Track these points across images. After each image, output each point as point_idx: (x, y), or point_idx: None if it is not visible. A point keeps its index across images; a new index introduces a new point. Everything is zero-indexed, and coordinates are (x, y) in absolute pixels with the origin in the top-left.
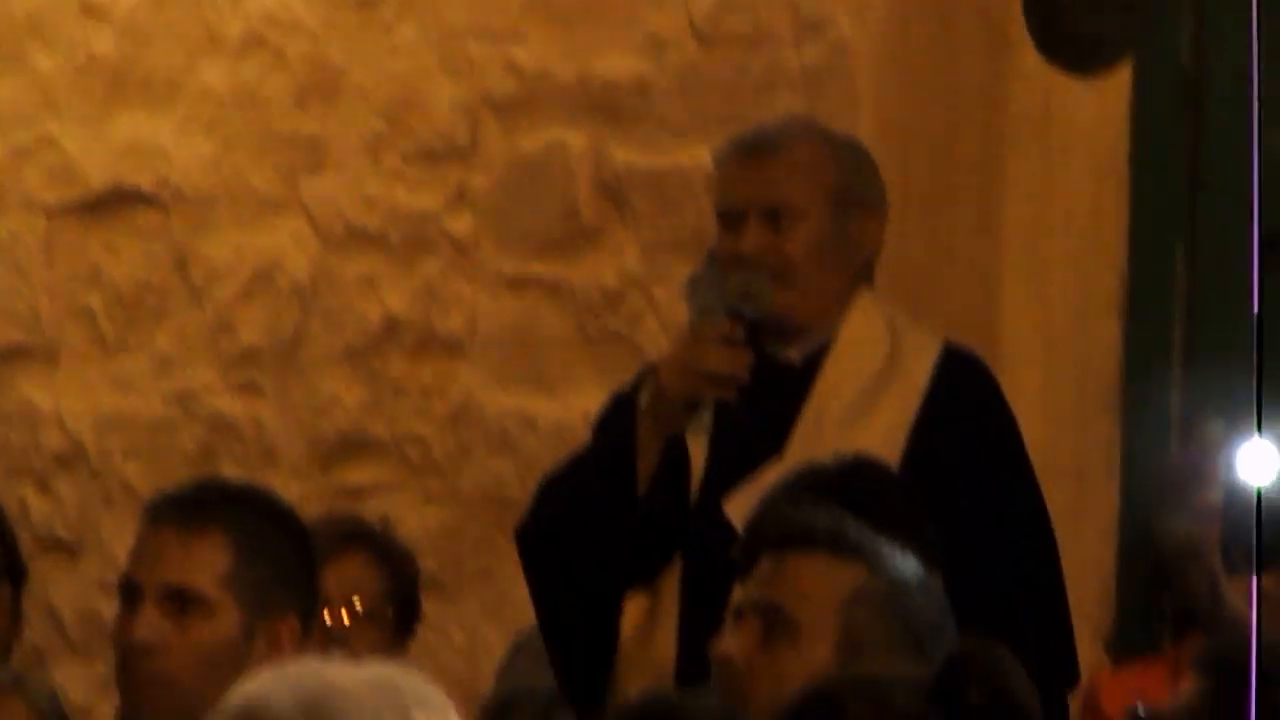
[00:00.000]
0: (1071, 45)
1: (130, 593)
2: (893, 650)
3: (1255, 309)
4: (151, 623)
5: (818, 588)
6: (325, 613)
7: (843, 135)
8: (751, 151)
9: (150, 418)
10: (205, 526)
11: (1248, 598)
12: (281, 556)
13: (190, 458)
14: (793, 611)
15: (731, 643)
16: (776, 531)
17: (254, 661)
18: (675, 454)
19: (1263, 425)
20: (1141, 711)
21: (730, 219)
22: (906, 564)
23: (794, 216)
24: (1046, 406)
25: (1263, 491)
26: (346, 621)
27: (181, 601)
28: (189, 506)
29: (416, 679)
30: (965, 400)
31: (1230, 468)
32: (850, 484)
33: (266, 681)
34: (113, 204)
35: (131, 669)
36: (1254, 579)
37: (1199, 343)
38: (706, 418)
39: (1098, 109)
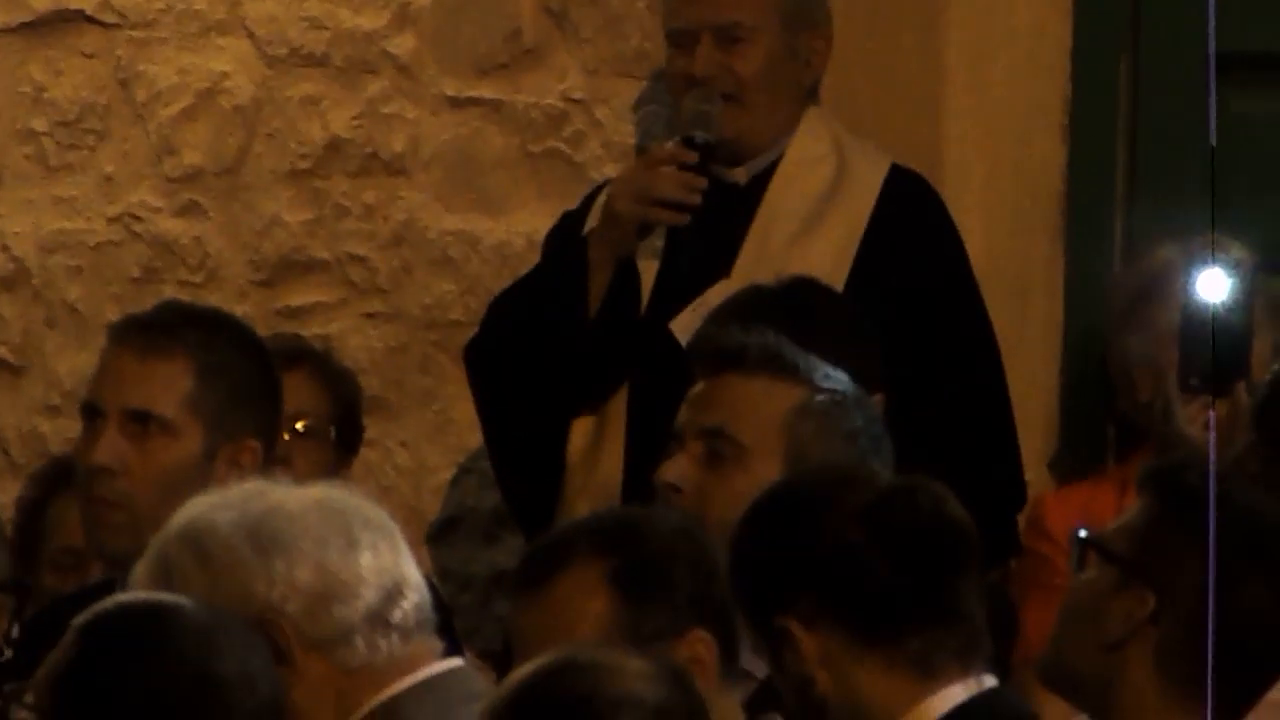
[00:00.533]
0: None
1: (92, 414)
2: None
3: (1212, 140)
4: (113, 445)
5: (760, 408)
6: None
7: None
8: None
9: (93, 238)
10: (167, 349)
11: (1199, 421)
12: (243, 380)
13: (133, 279)
14: (737, 433)
15: (675, 468)
16: (712, 354)
17: (215, 483)
18: (626, 275)
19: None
20: (1083, 533)
21: (681, 38)
22: (841, 380)
23: (747, 36)
24: (990, 226)
25: (1218, 314)
26: (290, 440)
27: (143, 423)
28: (151, 329)
29: (360, 500)
30: (912, 220)
31: (1188, 289)
32: (791, 304)
33: (211, 503)
34: (56, 25)
35: (93, 490)
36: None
37: (1143, 162)
38: (657, 240)
39: None
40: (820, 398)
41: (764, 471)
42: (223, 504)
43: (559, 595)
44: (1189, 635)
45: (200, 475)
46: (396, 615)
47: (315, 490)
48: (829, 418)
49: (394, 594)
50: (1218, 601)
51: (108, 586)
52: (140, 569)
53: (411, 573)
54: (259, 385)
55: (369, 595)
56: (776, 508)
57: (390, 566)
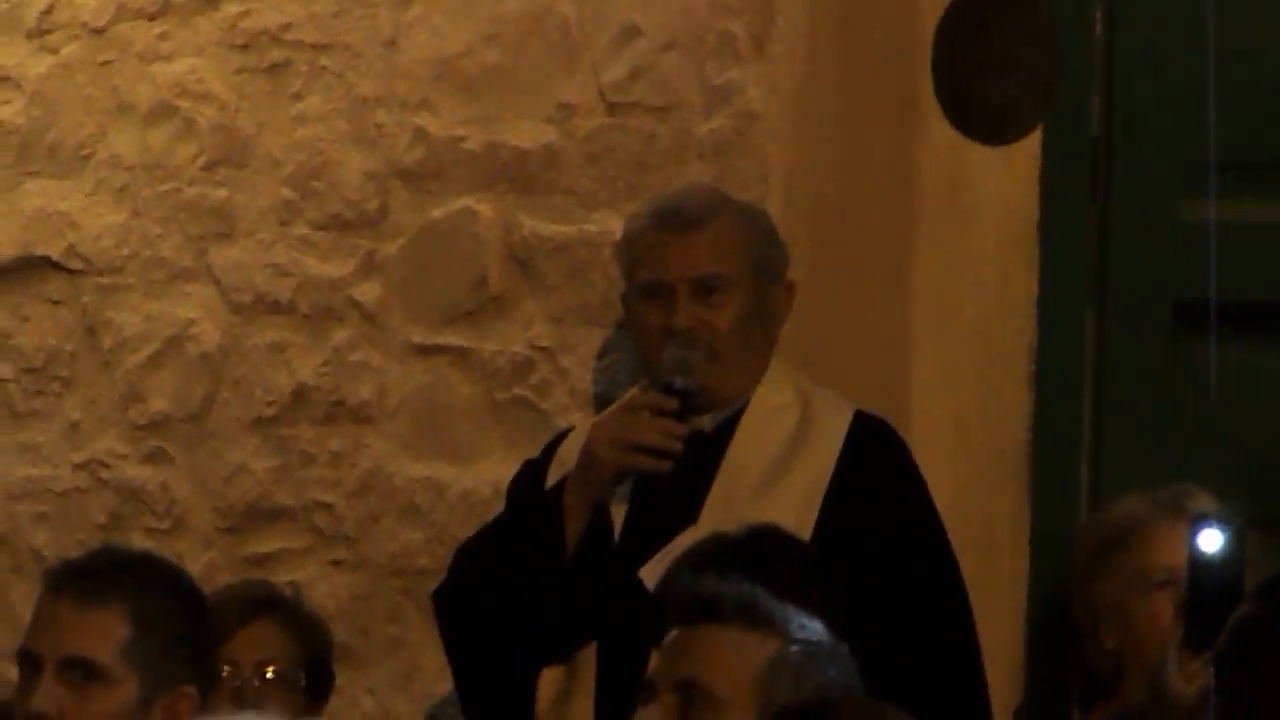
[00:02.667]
0: (981, 116)
1: (29, 662)
2: None
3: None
4: (50, 692)
5: (733, 660)
6: (236, 679)
7: (750, 204)
8: (677, 222)
9: (60, 486)
10: (105, 597)
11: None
12: (179, 627)
13: (100, 526)
14: (711, 685)
15: (650, 719)
16: (688, 604)
17: None
18: (600, 520)
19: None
20: None
21: (657, 290)
22: (816, 630)
23: (723, 288)
24: (955, 476)
25: (1221, 572)
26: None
27: (81, 672)
28: (88, 576)
29: None
30: (878, 467)
31: (1193, 549)
32: (754, 553)
33: None
34: (22, 272)
35: None
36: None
37: (1108, 413)
38: (628, 486)
39: (1007, 177)
40: (794, 649)
41: None
42: None
43: None
44: None
45: None
46: None
47: None
48: (803, 670)
49: None
50: None
51: None
52: None
53: None
54: (192, 631)
55: None
56: None
57: None
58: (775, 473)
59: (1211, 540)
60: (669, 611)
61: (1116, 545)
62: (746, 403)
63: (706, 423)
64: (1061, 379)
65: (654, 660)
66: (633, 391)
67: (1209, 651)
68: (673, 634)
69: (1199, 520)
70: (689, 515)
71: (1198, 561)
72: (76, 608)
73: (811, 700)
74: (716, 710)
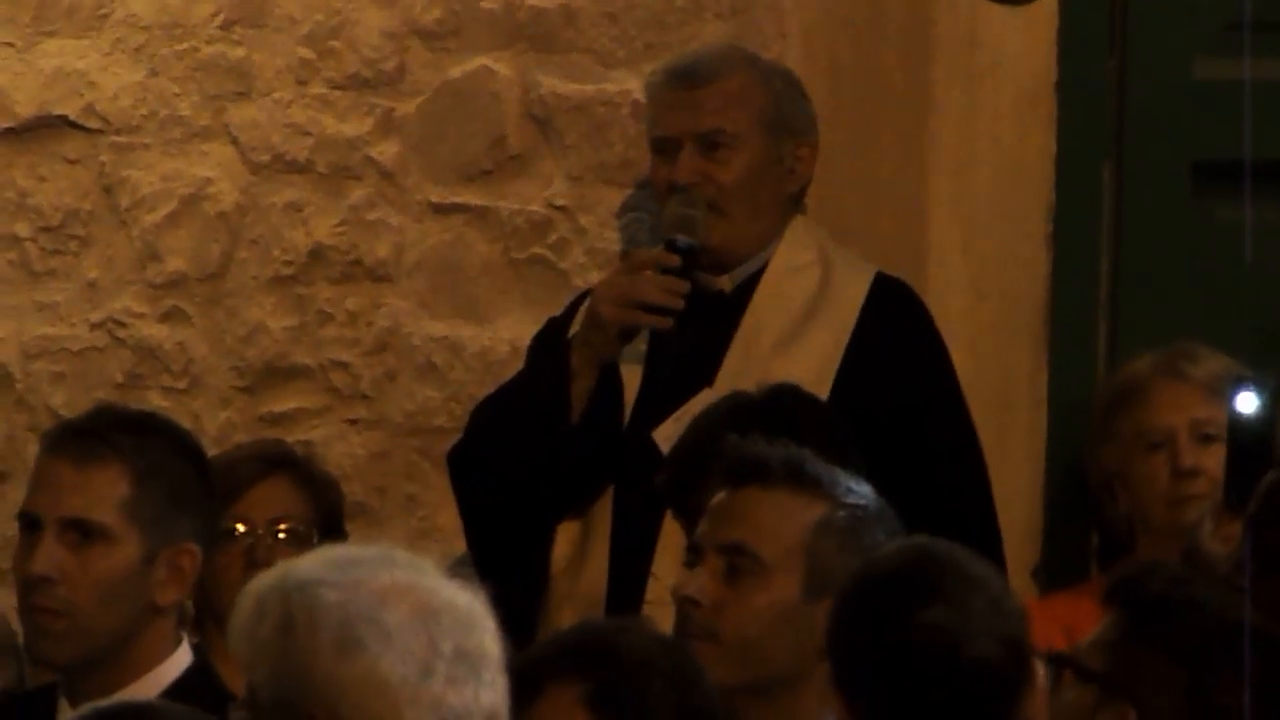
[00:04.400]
0: None
1: (30, 524)
2: None
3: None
4: (52, 554)
5: (780, 524)
6: (249, 536)
7: (774, 63)
8: (685, 79)
9: (77, 344)
10: (103, 456)
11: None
12: (180, 483)
13: (116, 385)
14: (757, 549)
15: (693, 582)
16: (734, 466)
17: (155, 589)
18: (609, 381)
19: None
20: (1056, 652)
21: (664, 147)
22: (864, 493)
23: (728, 143)
24: (973, 336)
25: (1260, 432)
26: (271, 545)
27: (81, 532)
28: (86, 436)
29: (469, 614)
30: (897, 329)
31: (1231, 407)
32: (773, 412)
33: (331, 569)
34: (39, 131)
35: (32, 600)
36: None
37: (1126, 273)
38: (641, 346)
39: (1025, 36)
40: (841, 513)
41: (783, 588)
42: (337, 579)
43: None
44: None
45: (140, 580)
46: None
47: (427, 593)
48: (850, 534)
49: None
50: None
51: (49, 691)
52: (244, 595)
53: (483, 704)
54: (195, 488)
55: None
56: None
57: (456, 699)
58: (793, 333)
59: (1248, 402)
60: (718, 472)
61: (1119, 408)
62: (767, 262)
63: (726, 283)
64: (1079, 238)
65: (701, 522)
66: (638, 250)
67: (1245, 509)
68: (720, 496)
69: (1237, 383)
70: (705, 376)
71: (1235, 423)
72: (74, 467)
73: None
74: (763, 573)
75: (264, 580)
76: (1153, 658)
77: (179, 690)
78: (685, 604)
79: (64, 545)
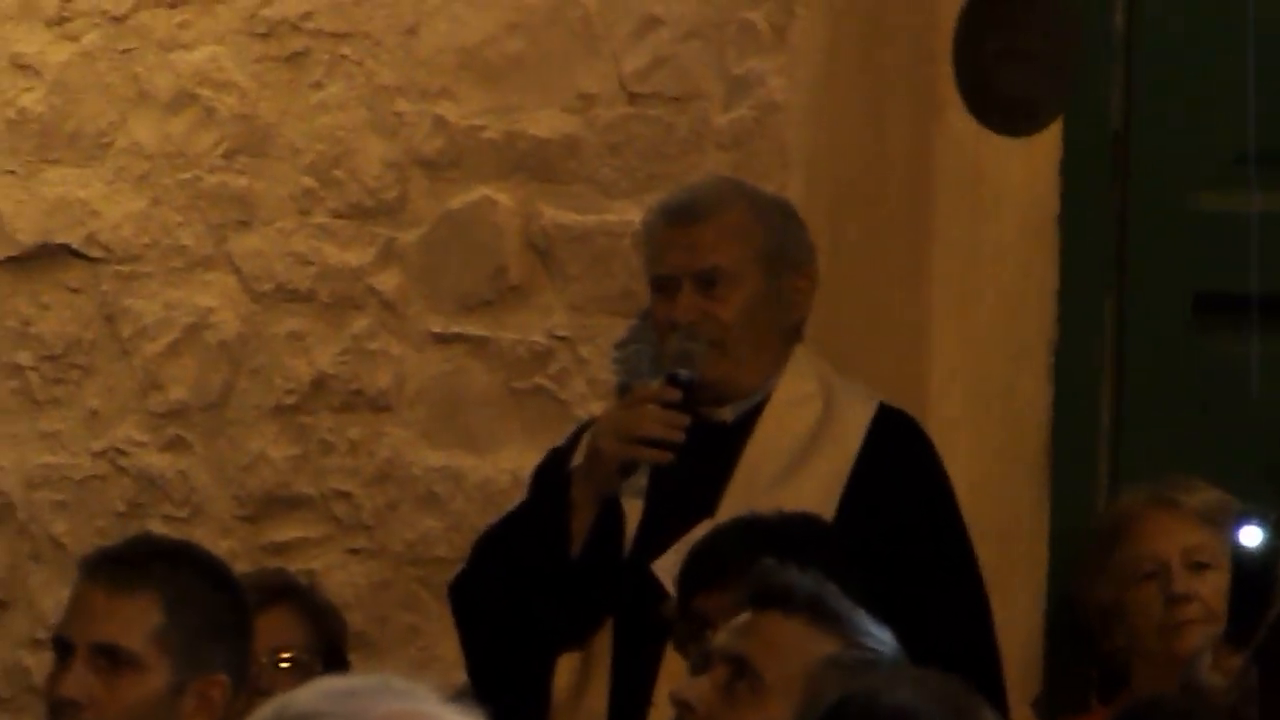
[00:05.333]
0: (1001, 108)
1: (62, 649)
2: None
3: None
4: (81, 679)
5: (791, 650)
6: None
7: (770, 195)
8: (681, 217)
9: (79, 473)
10: (137, 584)
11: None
12: (213, 614)
13: (118, 514)
14: (761, 669)
15: (693, 689)
16: (760, 588)
17: (183, 719)
18: (610, 514)
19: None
20: None
21: (663, 285)
22: (884, 640)
23: (727, 282)
24: (975, 468)
25: (1263, 567)
26: (273, 675)
27: (112, 659)
28: (121, 563)
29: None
30: (900, 461)
31: (1234, 541)
32: (787, 537)
33: (290, 691)
34: (42, 260)
35: None
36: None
37: (1128, 405)
38: (642, 479)
39: (1027, 168)
40: (853, 652)
41: (777, 713)
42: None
43: None
44: None
45: (168, 710)
46: None
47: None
48: (855, 674)
49: None
50: None
51: None
52: None
53: None
54: (229, 619)
55: None
56: None
57: None
58: (795, 464)
59: (1252, 536)
60: (746, 593)
61: (1112, 541)
62: (769, 393)
63: (727, 414)
64: (1081, 371)
65: (719, 633)
66: (640, 384)
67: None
68: (744, 615)
69: (1240, 517)
70: (706, 507)
71: (1238, 557)
72: (108, 594)
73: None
74: (760, 693)
75: (260, 716)
76: None
77: None
78: (681, 708)
79: (94, 671)
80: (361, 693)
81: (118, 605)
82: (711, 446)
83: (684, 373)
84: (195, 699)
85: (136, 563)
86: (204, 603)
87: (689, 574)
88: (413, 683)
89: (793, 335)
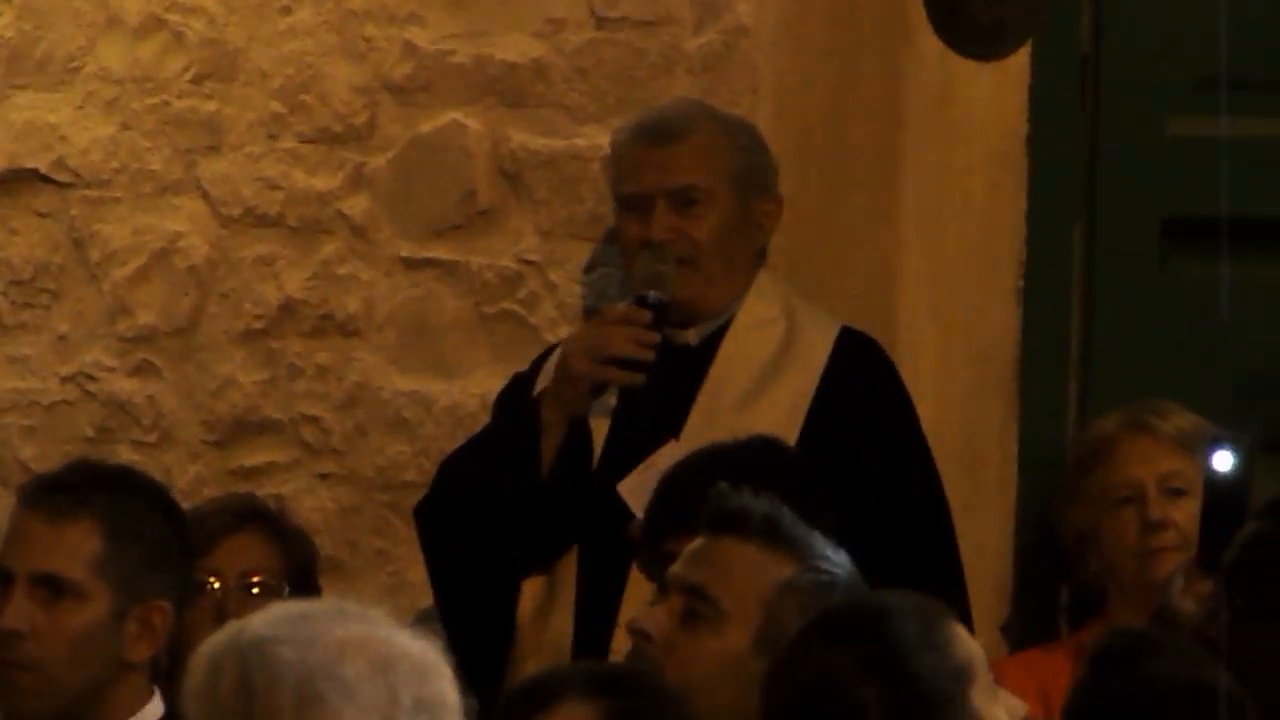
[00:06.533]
0: (971, 32)
1: (2, 578)
2: None
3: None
4: (21, 609)
5: (746, 576)
6: (220, 590)
7: (737, 118)
8: (655, 136)
9: (47, 398)
10: (76, 512)
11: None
12: (155, 541)
13: (87, 439)
14: (717, 596)
15: (651, 617)
16: (714, 514)
17: (126, 646)
18: (577, 435)
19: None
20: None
21: (635, 204)
22: (840, 563)
23: (702, 199)
24: (944, 392)
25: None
26: (243, 599)
27: (52, 588)
28: (60, 491)
29: (426, 665)
30: (862, 383)
31: (1209, 471)
32: (751, 462)
33: (283, 626)
34: (10, 185)
35: (2, 655)
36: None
37: (1096, 330)
38: (610, 400)
39: (996, 93)
40: (809, 576)
41: (735, 639)
42: (292, 635)
43: None
44: None
45: (110, 637)
46: None
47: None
48: (813, 598)
49: None
50: None
51: None
52: (197, 657)
53: None
54: (170, 546)
55: None
56: None
57: None
58: (759, 387)
59: (1224, 460)
60: (701, 519)
61: (1089, 466)
62: (732, 316)
63: (692, 337)
64: (1049, 295)
65: (676, 562)
66: (610, 305)
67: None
68: (698, 541)
69: (1213, 442)
70: (671, 429)
71: (1210, 482)
72: (47, 522)
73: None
74: (718, 621)
75: (216, 641)
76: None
77: None
78: (639, 637)
79: (35, 600)
80: (317, 617)
81: (58, 534)
82: (675, 368)
83: (654, 294)
84: (137, 625)
85: (75, 490)
86: (144, 529)
87: (658, 516)
88: (367, 607)
89: (758, 259)
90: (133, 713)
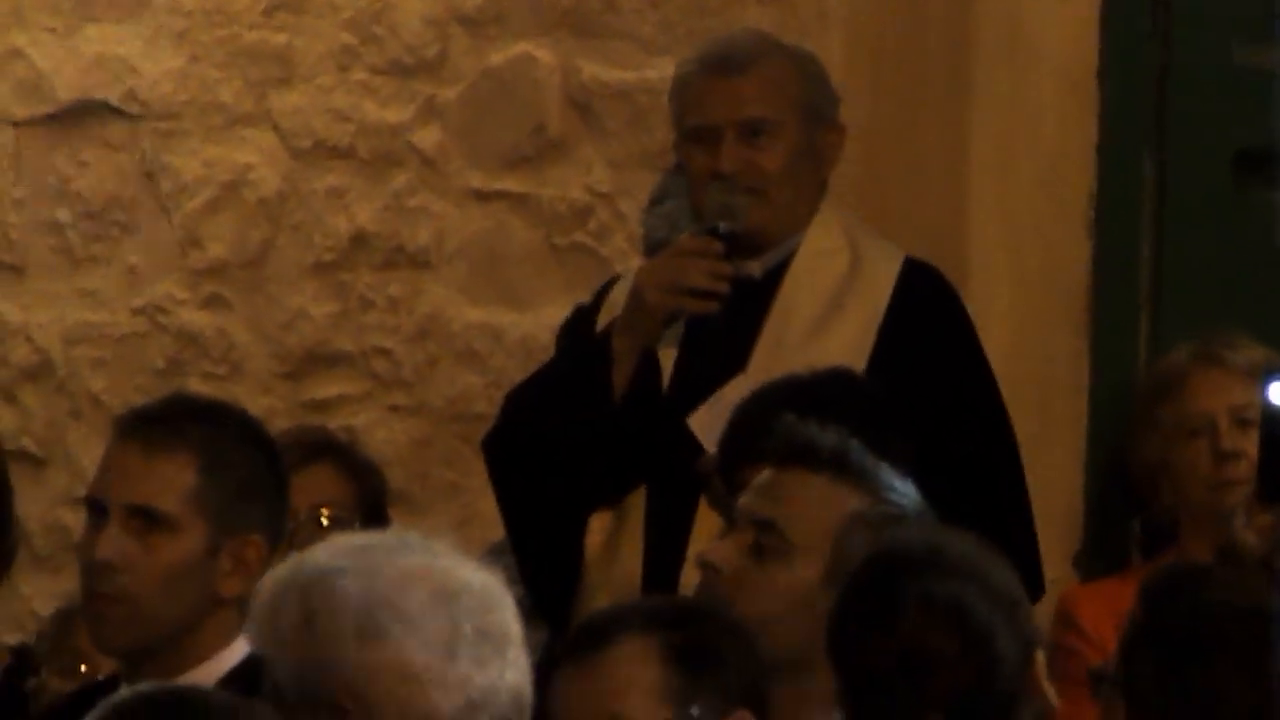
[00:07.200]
0: None
1: (96, 510)
2: None
3: None
4: (115, 541)
5: (816, 509)
6: (291, 523)
7: (799, 48)
8: (723, 68)
9: (118, 331)
10: (171, 445)
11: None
12: (249, 475)
13: (157, 371)
14: (788, 529)
15: (721, 550)
16: (783, 446)
17: (219, 580)
18: (648, 367)
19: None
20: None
21: (703, 134)
22: (908, 494)
23: (770, 130)
24: (1014, 323)
25: None
26: (313, 532)
27: (147, 520)
28: (156, 424)
29: (488, 595)
30: (928, 313)
31: (1266, 399)
32: (825, 394)
33: (346, 559)
34: (81, 117)
35: (94, 586)
36: None
37: (1168, 261)
38: (678, 330)
39: (1067, 24)
40: (879, 508)
41: (805, 572)
42: (354, 566)
43: (611, 663)
44: None
45: (203, 571)
46: None
47: (445, 575)
48: (882, 530)
49: (478, 706)
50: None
51: (113, 684)
52: (261, 590)
53: (508, 682)
54: (264, 480)
55: (448, 706)
56: None
57: (481, 678)
58: (825, 318)
59: None
60: (769, 450)
61: (1159, 398)
62: (795, 248)
63: (756, 269)
64: (1121, 226)
65: (743, 494)
66: (683, 236)
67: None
68: (766, 472)
69: (1270, 373)
70: (738, 361)
71: (1269, 414)
72: (143, 455)
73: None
74: (788, 554)
75: (279, 573)
76: (1144, 647)
77: (234, 679)
78: (708, 570)
79: (129, 532)
80: (378, 548)
81: (152, 466)
82: (741, 301)
83: (724, 225)
84: (231, 560)
85: (171, 423)
86: (239, 463)
87: (731, 447)
88: (430, 539)
89: (822, 189)
90: (221, 648)
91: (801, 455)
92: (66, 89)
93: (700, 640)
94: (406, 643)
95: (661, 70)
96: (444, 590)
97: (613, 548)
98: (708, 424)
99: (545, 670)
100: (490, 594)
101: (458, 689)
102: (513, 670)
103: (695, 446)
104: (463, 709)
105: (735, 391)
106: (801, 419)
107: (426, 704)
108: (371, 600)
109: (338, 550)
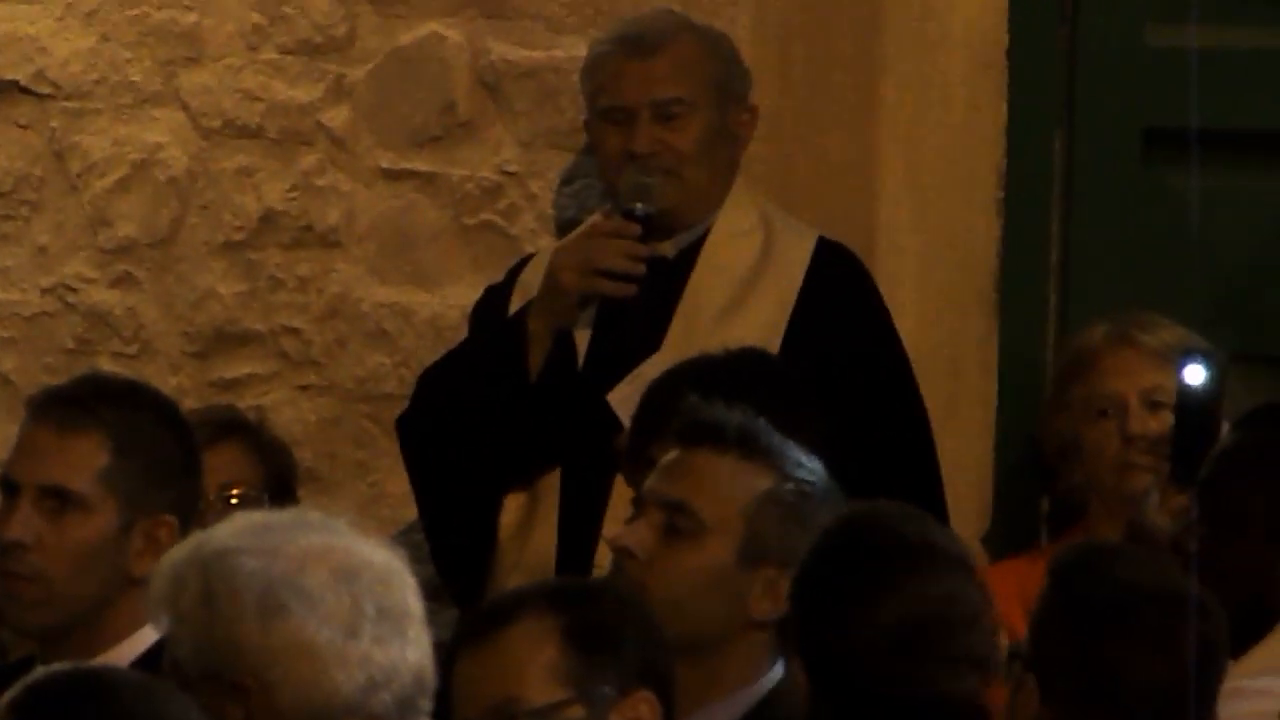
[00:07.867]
0: None
1: (8, 489)
2: (795, 558)
3: None
4: (27, 520)
5: (725, 488)
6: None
7: (711, 28)
8: (637, 48)
9: (27, 310)
10: (84, 425)
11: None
12: (161, 455)
13: (67, 350)
14: (698, 510)
15: (633, 534)
16: (690, 426)
17: (131, 559)
18: (563, 347)
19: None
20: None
21: (617, 115)
22: (815, 471)
23: (684, 111)
24: (924, 303)
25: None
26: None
27: (59, 500)
28: (69, 404)
29: (388, 574)
30: (841, 294)
31: (1180, 380)
32: (738, 373)
33: (247, 538)
34: None
35: (5, 565)
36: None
37: (1076, 239)
38: (591, 311)
39: (976, 1)
40: (788, 486)
41: (718, 552)
42: (254, 545)
43: (509, 644)
44: (1072, 709)
45: (115, 550)
46: (377, 706)
47: (345, 553)
48: (793, 508)
49: (379, 684)
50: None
51: (27, 664)
52: (161, 568)
53: (409, 661)
54: (177, 460)
55: (350, 685)
56: None
57: (382, 657)
58: (738, 298)
59: (1196, 374)
60: (674, 430)
61: (1071, 377)
62: (709, 228)
63: (669, 249)
64: (1030, 206)
65: (650, 476)
66: (595, 217)
67: (1193, 485)
68: (672, 453)
69: (1185, 355)
70: (653, 342)
71: (1183, 396)
72: (55, 434)
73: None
74: (700, 535)
75: (179, 552)
76: (1054, 623)
77: (149, 659)
78: (621, 554)
79: (40, 512)
80: (278, 527)
81: (65, 446)
82: (655, 281)
83: (640, 207)
84: (142, 539)
85: (84, 403)
86: (152, 443)
87: (643, 422)
88: (330, 517)
89: (735, 168)
90: (135, 628)
91: (708, 435)
92: None
93: (599, 620)
94: (307, 621)
95: (570, 50)
96: (344, 569)
97: (527, 527)
98: (627, 401)
99: (453, 649)
100: (391, 572)
101: (359, 667)
102: (414, 649)
103: (614, 424)
104: (364, 687)
105: (654, 369)
106: (707, 398)
107: (328, 682)
108: (272, 578)
109: (237, 529)
